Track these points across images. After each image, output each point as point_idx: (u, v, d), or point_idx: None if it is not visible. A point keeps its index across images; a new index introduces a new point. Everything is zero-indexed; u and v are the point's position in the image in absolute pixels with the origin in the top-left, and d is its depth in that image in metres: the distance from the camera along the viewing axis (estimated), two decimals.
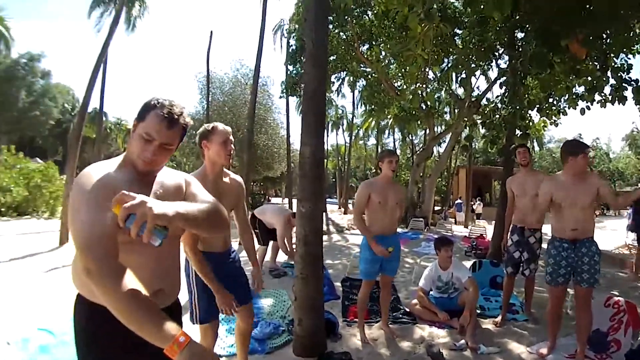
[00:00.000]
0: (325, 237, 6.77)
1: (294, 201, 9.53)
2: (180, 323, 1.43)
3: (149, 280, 1.19)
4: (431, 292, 4.15)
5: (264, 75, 21.46)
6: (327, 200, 24.78)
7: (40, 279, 5.44)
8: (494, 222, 7.50)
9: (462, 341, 3.36)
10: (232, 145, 2.27)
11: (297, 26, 12.80)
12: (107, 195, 1.07)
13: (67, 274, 4.04)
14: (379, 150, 32.70)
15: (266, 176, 26.87)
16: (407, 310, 4.16)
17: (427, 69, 10.75)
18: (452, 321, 3.74)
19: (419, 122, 18.77)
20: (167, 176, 1.37)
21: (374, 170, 37.99)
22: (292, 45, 14.04)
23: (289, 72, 13.63)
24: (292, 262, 6.14)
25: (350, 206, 25.70)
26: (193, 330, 1.64)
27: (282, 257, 6.64)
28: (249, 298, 2.48)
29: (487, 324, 3.94)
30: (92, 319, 1.22)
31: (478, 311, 4.00)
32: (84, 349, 1.27)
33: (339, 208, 28.18)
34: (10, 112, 30.98)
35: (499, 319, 3.95)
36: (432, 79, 13.29)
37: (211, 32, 17.59)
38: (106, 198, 1.06)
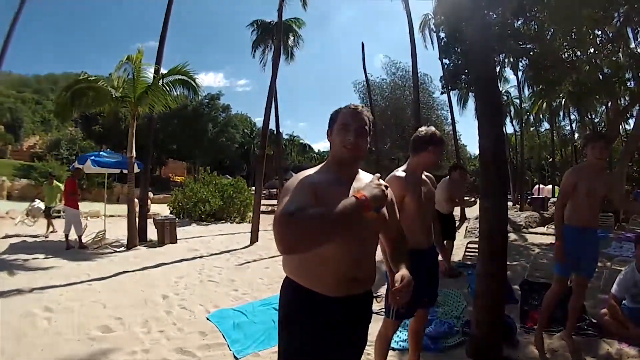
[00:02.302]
0: None
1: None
2: (370, 312, 1.60)
3: (348, 266, 1.40)
4: (624, 302, 3.52)
5: (420, 73, 21.33)
6: None
7: (235, 270, 6.38)
8: None
9: None
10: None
11: (443, 18, 12.30)
12: (307, 188, 1.33)
13: (257, 267, 5.31)
14: (554, 136, 28.67)
15: (435, 175, 26.66)
16: (594, 321, 3.60)
17: (598, 32, 8.91)
18: None
19: (597, 97, 15.49)
20: (369, 178, 1.53)
21: (550, 160, 33.26)
22: (443, 38, 13.52)
23: (445, 66, 13.15)
24: (468, 262, 6.04)
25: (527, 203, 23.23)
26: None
27: (456, 256, 6.48)
28: (434, 301, 2.60)
29: None
30: (295, 296, 1.45)
31: None
32: (285, 323, 1.47)
33: (514, 204, 25.55)
34: (202, 141, 39.38)
35: None
36: (604, 40, 10.93)
37: (362, 43, 18.38)
38: (306, 191, 1.32)
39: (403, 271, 1.43)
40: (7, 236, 9.18)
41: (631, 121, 15.85)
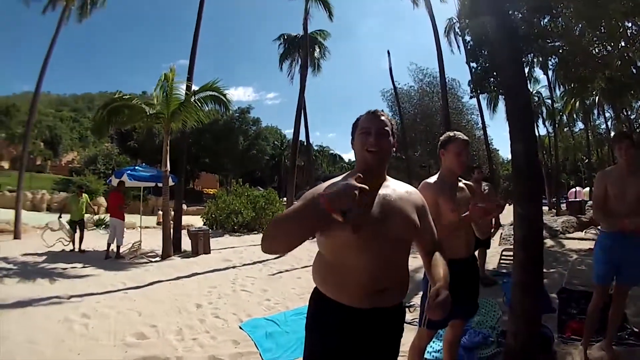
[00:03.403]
0: None
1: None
2: (401, 327, 1.56)
3: (372, 277, 1.37)
4: None
5: (448, 78, 21.07)
6: None
7: (267, 280, 6.45)
8: None
9: None
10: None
11: (467, 21, 12.13)
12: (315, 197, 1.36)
13: (289, 277, 5.53)
14: (589, 136, 27.58)
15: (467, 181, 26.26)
16: (636, 330, 3.42)
17: (629, 24, 8.59)
18: None
19: (632, 92, 14.72)
20: (399, 185, 1.54)
21: (586, 161, 31.97)
22: (469, 42, 13.32)
23: (472, 70, 12.93)
24: (503, 270, 5.89)
25: (563, 206, 22.35)
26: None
27: (491, 264, 6.32)
28: (473, 312, 2.53)
29: None
30: (321, 309, 1.46)
31: None
32: (310, 332, 1.50)
33: (550, 209, 24.59)
34: (234, 154, 40.51)
35: None
36: (635, 33, 10.40)
37: (388, 51, 18.39)
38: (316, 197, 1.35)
39: (439, 285, 1.35)
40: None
41: None
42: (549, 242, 9.95)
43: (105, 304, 4.86)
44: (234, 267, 7.55)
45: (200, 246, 9.07)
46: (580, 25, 10.45)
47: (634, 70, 11.15)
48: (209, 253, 9.12)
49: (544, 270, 5.99)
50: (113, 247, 8.60)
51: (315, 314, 1.50)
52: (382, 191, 1.45)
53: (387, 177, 1.54)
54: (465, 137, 2.42)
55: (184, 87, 9.15)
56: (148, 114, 8.77)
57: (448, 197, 2.28)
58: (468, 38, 13.22)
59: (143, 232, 10.59)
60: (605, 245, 2.92)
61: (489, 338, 3.38)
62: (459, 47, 22.96)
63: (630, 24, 9.21)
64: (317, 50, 22.39)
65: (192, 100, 9.05)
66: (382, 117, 1.48)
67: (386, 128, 1.47)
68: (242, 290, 5.70)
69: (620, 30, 8.27)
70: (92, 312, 4.48)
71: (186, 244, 9.48)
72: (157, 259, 8.51)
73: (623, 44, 9.59)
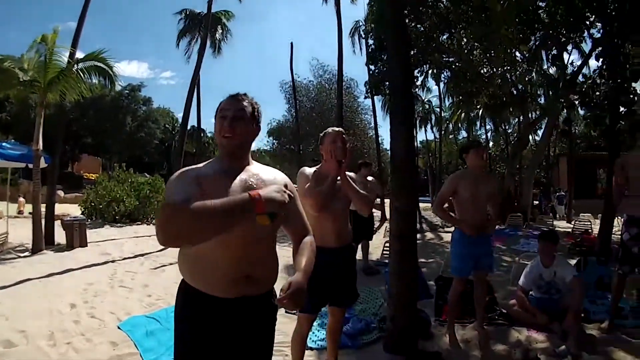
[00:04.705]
0: (418, 236, 6.68)
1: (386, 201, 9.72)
2: (272, 313, 1.53)
3: (240, 266, 1.34)
4: (531, 293, 3.88)
5: (347, 78, 21.86)
6: (420, 198, 24.21)
7: (149, 275, 6.06)
8: (600, 216, 6.78)
9: (563, 347, 3.07)
10: (342, 144, 2.36)
11: (373, 26, 12.79)
12: (190, 179, 1.30)
13: (173, 270, 4.94)
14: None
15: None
16: (504, 311, 3.93)
17: (513, 50, 10.03)
18: (553, 325, 3.48)
19: (511, 110, 17.38)
20: (264, 171, 1.50)
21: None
22: (371, 45, 14.06)
23: (371, 72, 13.65)
24: (386, 261, 6.28)
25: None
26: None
27: (374, 255, 6.67)
28: (351, 300, 2.58)
29: (592, 330, 3.58)
30: (188, 301, 1.40)
31: (582, 315, 3.65)
32: (178, 325, 1.44)
33: (432, 206, 27.19)
34: (120, 135, 36.06)
35: (605, 324, 3.56)
36: (520, 60, 12.28)
37: (291, 43, 18.55)
38: (190, 181, 1.29)
39: (295, 276, 1.34)
40: None
41: (540, 132, 18.00)
42: (429, 235, 10.99)
43: None
44: (113, 262, 6.92)
45: (76, 238, 8.16)
46: (470, 46, 11.80)
47: (515, 92, 12.92)
48: (86, 246, 8.27)
49: (424, 260, 6.64)
50: None
51: (183, 306, 1.43)
52: (243, 175, 1.41)
53: (253, 161, 1.51)
54: (339, 129, 2.47)
55: (67, 53, 8.06)
56: (21, 80, 7.56)
57: (320, 188, 2.30)
58: (371, 42, 14.00)
59: (10, 222, 9.21)
60: (465, 241, 3.21)
61: (371, 324, 3.56)
62: (361, 49, 24.15)
63: (514, 51, 10.59)
64: (220, 31, 21.58)
65: (74, 69, 8.02)
66: (243, 101, 1.45)
67: (243, 110, 1.43)
68: (121, 287, 5.28)
69: (504, 55, 9.47)
70: None
71: (61, 235, 8.46)
72: (27, 253, 7.50)
73: (507, 67, 10.97)
